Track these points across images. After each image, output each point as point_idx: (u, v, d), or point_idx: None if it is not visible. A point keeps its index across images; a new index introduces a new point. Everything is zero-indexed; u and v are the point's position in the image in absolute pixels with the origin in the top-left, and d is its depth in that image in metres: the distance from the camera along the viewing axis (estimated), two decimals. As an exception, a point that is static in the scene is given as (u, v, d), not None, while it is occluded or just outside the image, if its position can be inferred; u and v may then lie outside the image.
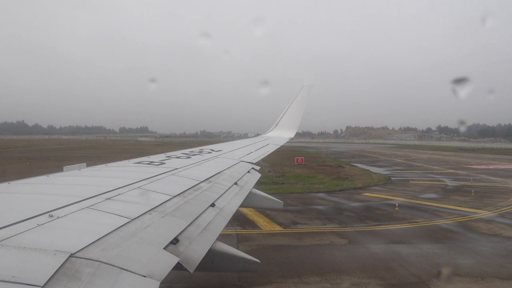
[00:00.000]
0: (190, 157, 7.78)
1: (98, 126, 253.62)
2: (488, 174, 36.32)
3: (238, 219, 16.40)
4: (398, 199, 22.29)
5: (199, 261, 2.99)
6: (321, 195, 24.33)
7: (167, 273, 2.49)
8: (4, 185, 3.91)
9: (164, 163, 6.48)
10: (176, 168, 5.98)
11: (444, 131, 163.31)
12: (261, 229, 15.47)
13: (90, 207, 3.26)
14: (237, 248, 8.15)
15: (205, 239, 3.41)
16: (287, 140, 16.06)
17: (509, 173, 38.08)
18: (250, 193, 6.36)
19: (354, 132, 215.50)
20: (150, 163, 6.45)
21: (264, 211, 17.60)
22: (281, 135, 16.40)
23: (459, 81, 5.91)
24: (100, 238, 2.58)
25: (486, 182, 30.70)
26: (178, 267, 2.74)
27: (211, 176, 5.90)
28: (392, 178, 33.42)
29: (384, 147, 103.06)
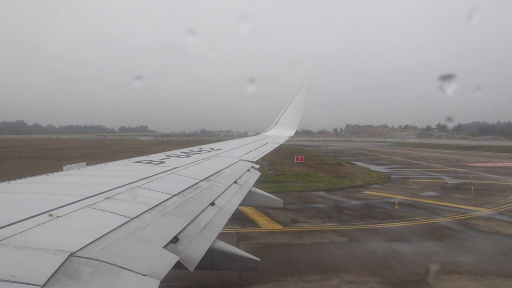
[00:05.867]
0: (190, 156, 7.78)
1: (98, 125, 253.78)
2: (487, 172, 36.34)
3: (238, 217, 16.41)
4: (398, 197, 22.31)
5: (199, 260, 2.99)
6: (321, 193, 24.35)
7: (167, 272, 2.49)
8: (4, 184, 3.91)
9: (164, 162, 6.48)
10: (176, 167, 5.97)
11: (443, 129, 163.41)
12: (261, 227, 15.48)
13: (90, 206, 3.26)
14: (237, 247, 8.14)
15: (205, 238, 3.41)
16: (287, 138, 16.06)
17: (508, 171, 38.10)
18: (250, 191, 6.36)
19: (353, 130, 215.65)
20: (150, 162, 6.45)
21: (264, 210, 17.61)
22: (280, 133, 16.39)
23: (447, 77, 5.89)
24: (100, 237, 2.58)
25: (485, 180, 30.71)
26: (178, 266, 2.74)
27: (211, 175, 5.90)
28: (391, 176, 33.44)
29: (384, 145, 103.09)
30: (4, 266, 1.97)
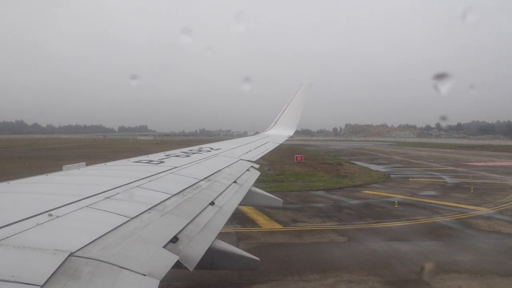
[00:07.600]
0: (189, 156, 7.77)
1: (97, 125, 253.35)
2: (487, 171, 36.36)
3: (238, 217, 16.42)
4: (398, 197, 22.32)
5: (199, 260, 2.99)
6: (321, 193, 24.36)
7: (166, 272, 2.49)
8: (4, 184, 3.91)
9: (163, 162, 6.47)
10: (175, 167, 5.97)
11: (443, 128, 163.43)
12: (260, 227, 15.49)
13: (89, 206, 3.25)
14: (237, 246, 8.16)
15: (204, 238, 3.41)
16: (286, 138, 16.04)
17: (508, 170, 38.13)
18: (250, 191, 6.36)
19: (353, 130, 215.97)
20: (149, 162, 6.44)
21: (263, 209, 17.61)
22: (280, 133, 16.37)
23: (444, 76, 5.87)
24: (99, 237, 2.57)
25: (485, 179, 30.74)
26: (178, 265, 2.74)
27: (211, 175, 5.90)
28: (391, 175, 33.45)
29: (383, 145, 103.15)
30: (4, 266, 1.97)
